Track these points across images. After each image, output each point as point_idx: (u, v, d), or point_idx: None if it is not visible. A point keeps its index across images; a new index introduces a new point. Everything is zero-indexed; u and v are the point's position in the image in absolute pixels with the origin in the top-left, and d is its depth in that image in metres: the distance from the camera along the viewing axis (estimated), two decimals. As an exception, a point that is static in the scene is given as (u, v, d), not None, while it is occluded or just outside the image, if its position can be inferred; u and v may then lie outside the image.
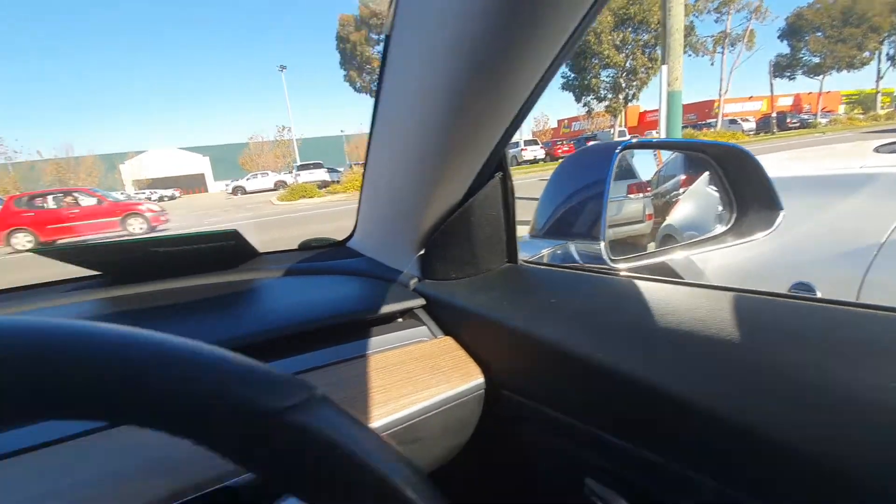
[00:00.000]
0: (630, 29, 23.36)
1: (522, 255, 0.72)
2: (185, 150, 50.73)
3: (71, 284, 0.68)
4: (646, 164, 1.32)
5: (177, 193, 35.61)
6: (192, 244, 0.62)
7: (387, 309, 0.64)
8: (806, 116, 34.54)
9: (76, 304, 0.65)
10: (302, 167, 25.81)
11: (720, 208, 1.40)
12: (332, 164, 28.34)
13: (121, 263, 0.68)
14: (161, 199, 30.88)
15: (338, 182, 21.02)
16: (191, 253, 0.66)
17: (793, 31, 36.20)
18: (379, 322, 0.64)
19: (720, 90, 32.19)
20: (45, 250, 0.60)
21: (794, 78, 38.10)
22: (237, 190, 28.93)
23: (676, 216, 1.31)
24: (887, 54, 36.37)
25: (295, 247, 0.90)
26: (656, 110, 5.86)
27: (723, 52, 32.12)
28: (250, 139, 42.40)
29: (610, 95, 25.22)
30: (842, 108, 42.68)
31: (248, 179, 30.04)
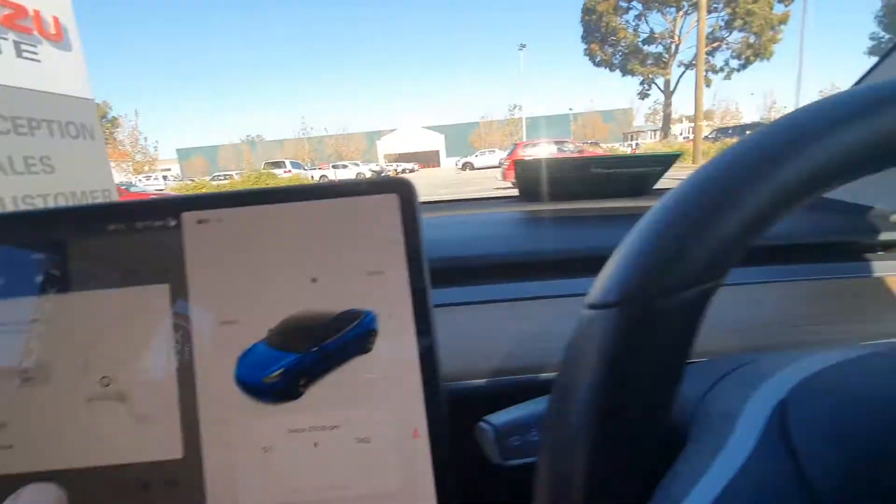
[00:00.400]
0: None
1: None
2: (427, 128, 57.56)
3: (499, 200, 0.78)
4: None
5: (416, 167, 40.94)
6: (634, 167, 0.64)
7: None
8: None
9: (502, 212, 0.75)
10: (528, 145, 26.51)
11: None
12: (556, 144, 28.27)
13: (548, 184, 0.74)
14: (403, 171, 35.94)
15: (562, 162, 20.87)
16: (618, 176, 0.68)
17: None
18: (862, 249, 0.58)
19: None
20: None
21: None
22: (466, 166, 31.54)
23: None
24: None
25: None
26: None
27: None
28: (481, 118, 45.51)
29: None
30: None
31: (476, 156, 32.43)
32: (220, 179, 24.51)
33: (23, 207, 2.58)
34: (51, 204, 2.78)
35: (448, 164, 50.47)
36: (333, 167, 30.22)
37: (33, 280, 0.29)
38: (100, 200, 3.06)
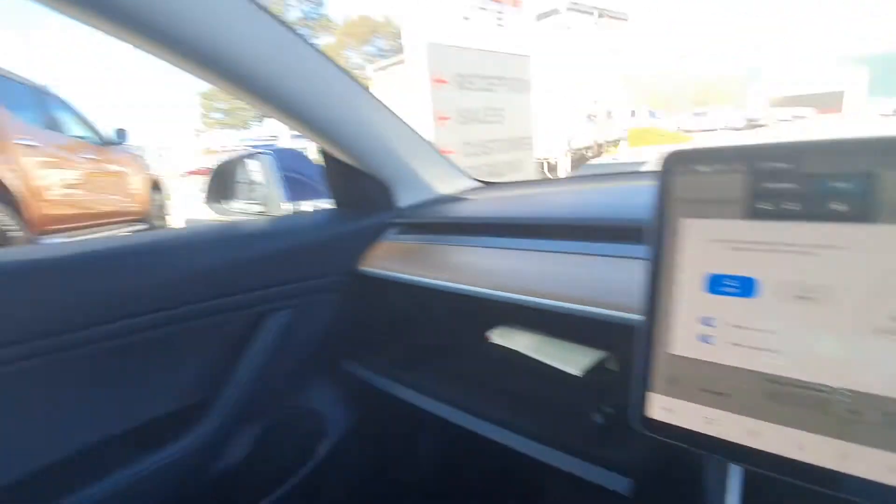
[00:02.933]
0: None
1: None
2: (841, 59, 42.99)
3: None
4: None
5: (809, 114, 31.63)
6: None
7: None
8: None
9: None
10: None
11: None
12: None
13: None
14: (790, 120, 28.44)
15: None
16: None
17: None
18: None
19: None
20: None
21: None
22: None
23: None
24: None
25: None
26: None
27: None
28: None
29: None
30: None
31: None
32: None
33: (481, 151, 3.46)
34: (496, 148, 3.60)
35: (870, 109, 36.40)
36: (696, 115, 26.90)
37: (829, 206, 0.31)
38: (526, 147, 3.76)
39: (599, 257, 0.57)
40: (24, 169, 3.31)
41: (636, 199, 0.70)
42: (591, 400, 0.63)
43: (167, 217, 6.03)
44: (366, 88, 0.77)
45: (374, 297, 0.87)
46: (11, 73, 3.76)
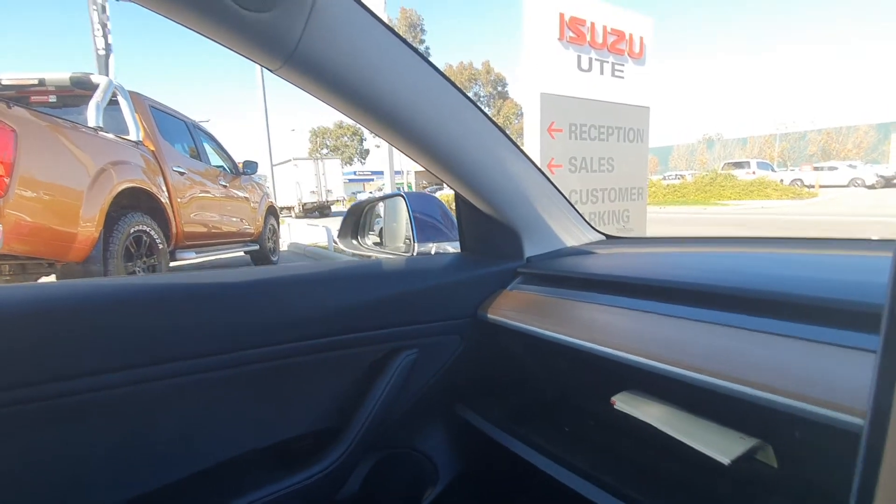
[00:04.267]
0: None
1: None
2: None
3: None
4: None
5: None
6: None
7: None
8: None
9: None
10: None
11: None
12: None
13: None
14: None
15: None
16: None
17: None
18: None
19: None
20: None
21: None
22: None
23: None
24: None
25: None
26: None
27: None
28: None
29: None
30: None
31: None
32: (672, 179, 24.48)
33: (588, 199, 3.43)
34: (603, 198, 3.53)
35: None
36: (816, 168, 24.37)
37: None
38: (634, 197, 3.66)
39: (747, 331, 0.51)
40: (172, 192, 3.85)
41: (779, 271, 0.64)
42: (741, 494, 0.56)
43: (279, 240, 6.62)
44: (510, 138, 0.78)
45: (493, 345, 0.87)
46: (172, 110, 4.45)
